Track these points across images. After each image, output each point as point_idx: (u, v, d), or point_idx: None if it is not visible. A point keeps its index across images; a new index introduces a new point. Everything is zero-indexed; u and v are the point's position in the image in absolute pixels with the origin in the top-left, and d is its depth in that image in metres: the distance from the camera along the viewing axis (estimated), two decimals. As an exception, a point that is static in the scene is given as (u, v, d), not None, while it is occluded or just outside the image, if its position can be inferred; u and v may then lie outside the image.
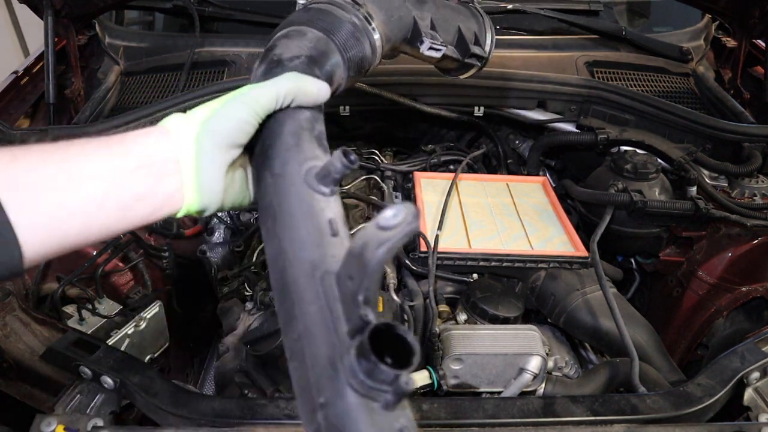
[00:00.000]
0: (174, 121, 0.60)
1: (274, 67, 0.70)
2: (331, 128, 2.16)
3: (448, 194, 1.46)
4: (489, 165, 1.98)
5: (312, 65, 0.71)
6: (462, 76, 1.13)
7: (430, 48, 0.96)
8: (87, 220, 0.55)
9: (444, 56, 1.01)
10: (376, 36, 0.82)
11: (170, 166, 0.58)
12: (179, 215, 0.61)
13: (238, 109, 0.61)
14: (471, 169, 1.81)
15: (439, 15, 0.98)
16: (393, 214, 0.43)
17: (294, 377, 0.48)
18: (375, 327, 0.41)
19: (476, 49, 1.05)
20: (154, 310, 1.26)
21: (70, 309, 1.24)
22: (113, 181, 0.55)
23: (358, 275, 0.45)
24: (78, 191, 0.54)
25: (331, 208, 0.57)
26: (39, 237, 0.52)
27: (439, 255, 1.29)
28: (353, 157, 0.56)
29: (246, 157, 0.68)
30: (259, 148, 0.65)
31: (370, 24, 0.81)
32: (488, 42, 1.07)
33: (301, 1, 0.85)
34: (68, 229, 0.54)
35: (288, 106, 0.65)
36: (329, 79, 0.74)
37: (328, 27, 0.77)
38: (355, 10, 0.81)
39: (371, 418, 0.41)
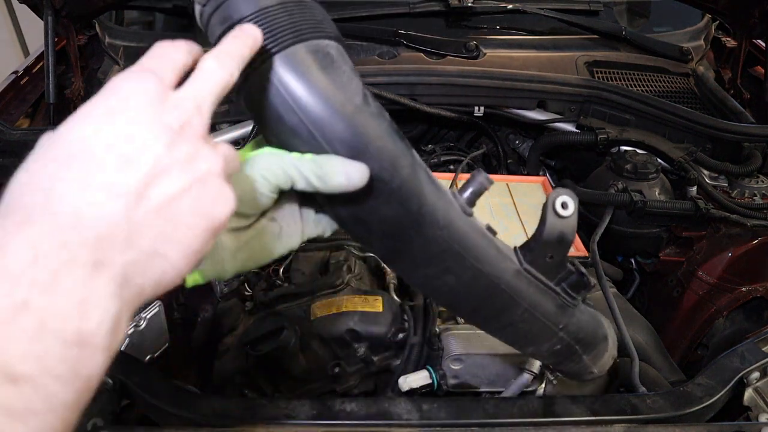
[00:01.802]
0: None
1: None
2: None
3: (448, 194, 1.46)
4: (489, 165, 1.98)
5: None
6: None
7: None
8: None
9: None
10: None
11: None
12: (188, 285, 0.56)
13: (242, 179, 0.53)
14: (471, 169, 1.81)
15: None
16: (565, 203, 0.66)
17: (519, 333, 0.72)
18: (576, 268, 0.71)
19: None
20: (154, 310, 1.26)
21: (70, 309, 1.24)
22: None
23: (559, 252, 0.68)
24: None
25: (477, 218, 0.67)
26: None
27: (439, 255, 1.28)
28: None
29: (286, 210, 0.61)
30: (397, 214, 0.58)
31: None
32: None
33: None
34: None
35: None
36: None
37: None
38: None
39: (581, 312, 0.75)
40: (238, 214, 0.54)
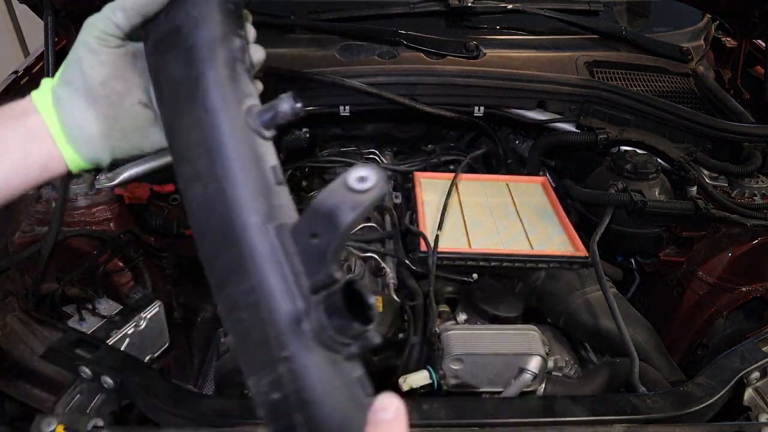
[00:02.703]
0: (41, 83, 0.62)
1: None
2: (331, 128, 2.16)
3: (448, 194, 1.46)
4: (489, 165, 1.98)
5: None
6: None
7: None
8: None
9: None
10: None
11: (39, 127, 0.59)
12: (75, 170, 0.61)
13: (78, 50, 0.59)
14: (471, 169, 1.81)
15: None
16: (364, 177, 0.44)
17: (239, 329, 0.49)
18: (345, 283, 0.44)
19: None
20: (154, 310, 1.26)
21: (70, 309, 1.24)
22: (2, 147, 0.58)
23: (326, 234, 0.45)
24: None
25: (271, 154, 0.54)
26: None
27: (439, 255, 1.28)
28: (300, 104, 0.53)
29: (146, 95, 0.63)
30: (180, 76, 0.56)
31: None
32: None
33: None
34: None
35: (145, 21, 0.58)
36: None
37: None
38: None
39: (334, 369, 0.45)
40: (96, 83, 0.59)
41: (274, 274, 0.48)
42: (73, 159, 0.60)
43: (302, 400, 0.45)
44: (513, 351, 1.09)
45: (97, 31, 0.58)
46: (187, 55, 0.55)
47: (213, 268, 0.52)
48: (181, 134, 0.55)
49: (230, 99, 0.54)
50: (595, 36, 1.91)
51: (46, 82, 0.61)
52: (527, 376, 1.08)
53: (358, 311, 0.44)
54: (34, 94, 0.61)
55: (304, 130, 1.95)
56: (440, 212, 1.41)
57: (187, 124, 0.54)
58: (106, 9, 0.58)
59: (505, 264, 1.31)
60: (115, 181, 1.21)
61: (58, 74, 0.60)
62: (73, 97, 0.59)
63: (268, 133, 0.54)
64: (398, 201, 1.63)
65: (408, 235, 1.45)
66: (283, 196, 0.53)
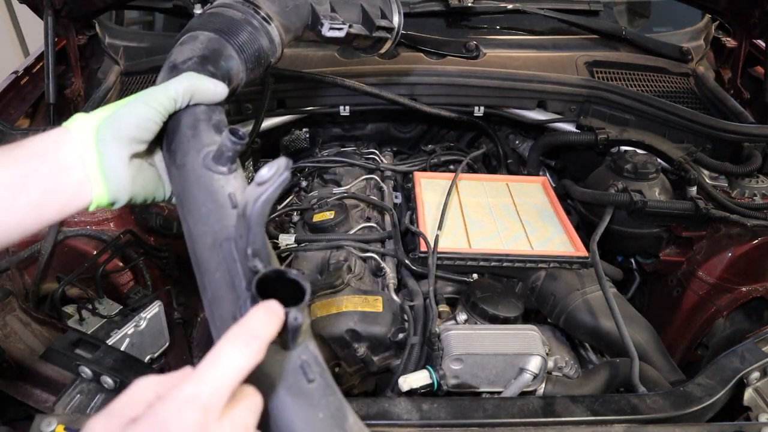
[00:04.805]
0: (76, 119, 0.64)
1: (170, 72, 0.74)
2: (331, 128, 2.15)
3: (448, 194, 1.46)
4: (489, 165, 1.98)
5: (205, 64, 0.75)
6: (382, 51, 1.19)
7: (331, 29, 1.00)
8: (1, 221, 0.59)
9: (351, 35, 1.04)
10: (272, 27, 0.86)
11: (72, 160, 0.61)
12: (91, 208, 0.64)
13: (138, 107, 0.64)
14: (471, 169, 1.81)
15: None
16: (267, 169, 0.47)
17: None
18: (263, 274, 0.47)
19: (383, 22, 1.09)
20: (154, 310, 1.26)
21: (70, 309, 1.24)
22: (19, 183, 0.59)
23: (245, 232, 0.49)
24: None
25: (231, 183, 0.62)
26: None
27: (439, 255, 1.28)
28: (241, 132, 0.60)
29: (159, 154, 0.72)
30: (165, 146, 0.69)
31: (260, 15, 0.85)
32: (395, 14, 1.12)
33: (197, 11, 0.91)
34: None
35: (188, 105, 0.68)
36: (226, 75, 0.77)
37: (220, 26, 0.80)
38: (246, 6, 0.84)
39: (274, 359, 0.47)
40: (139, 140, 0.65)
41: (222, 284, 0.54)
42: (100, 196, 0.64)
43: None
44: (513, 351, 1.09)
45: (159, 105, 0.65)
46: (166, 129, 0.69)
47: (200, 290, 0.58)
48: (175, 191, 0.67)
49: (191, 153, 0.64)
50: (595, 36, 1.91)
51: (86, 121, 0.63)
52: (527, 376, 1.08)
53: (293, 298, 0.45)
54: (73, 128, 0.63)
55: (304, 130, 1.96)
56: (440, 212, 1.41)
57: (173, 182, 0.67)
58: (170, 89, 0.66)
59: (505, 264, 1.31)
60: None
61: (103, 117, 0.63)
62: (115, 140, 0.63)
63: (224, 168, 0.62)
64: (398, 201, 1.63)
65: (408, 235, 1.45)
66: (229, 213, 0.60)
